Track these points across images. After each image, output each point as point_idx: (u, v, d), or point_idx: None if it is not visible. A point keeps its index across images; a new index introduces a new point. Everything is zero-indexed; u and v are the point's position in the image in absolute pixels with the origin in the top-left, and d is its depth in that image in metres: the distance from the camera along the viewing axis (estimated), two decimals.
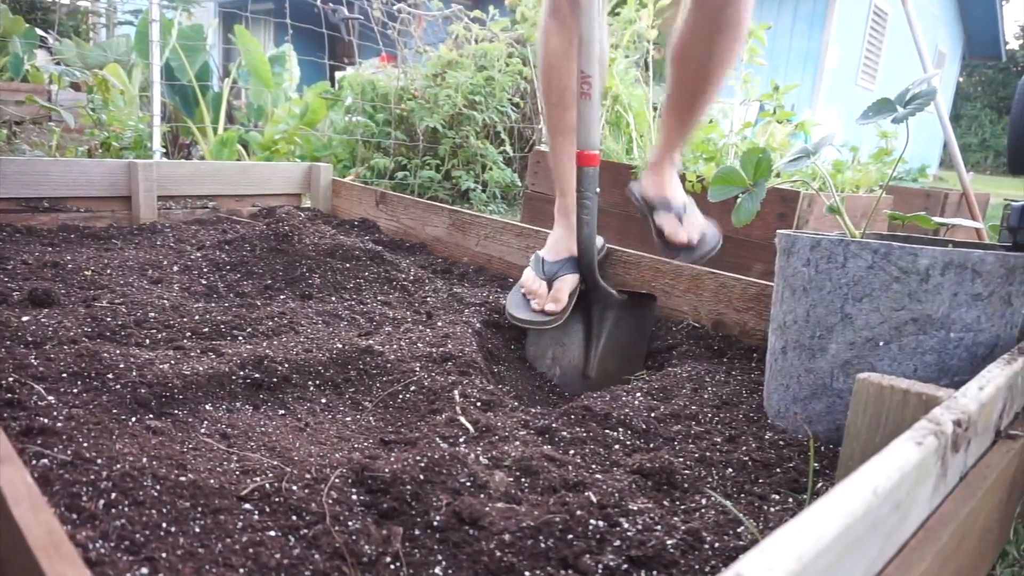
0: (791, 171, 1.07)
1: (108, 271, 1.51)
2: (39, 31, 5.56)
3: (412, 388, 1.08)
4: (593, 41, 1.34)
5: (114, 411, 0.90)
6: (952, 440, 0.59)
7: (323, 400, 1.06)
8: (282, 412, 1.02)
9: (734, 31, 1.50)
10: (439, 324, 1.37)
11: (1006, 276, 0.91)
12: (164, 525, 0.66)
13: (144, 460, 0.75)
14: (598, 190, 1.41)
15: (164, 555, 0.62)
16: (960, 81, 18.04)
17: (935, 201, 3.49)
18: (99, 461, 0.73)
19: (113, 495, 0.68)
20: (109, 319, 1.21)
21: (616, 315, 1.46)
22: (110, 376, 0.97)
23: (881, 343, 0.93)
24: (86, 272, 1.47)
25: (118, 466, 0.72)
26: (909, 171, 5.16)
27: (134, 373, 0.98)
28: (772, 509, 0.80)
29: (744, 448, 0.95)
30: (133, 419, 0.89)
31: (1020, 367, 0.78)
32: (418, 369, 1.13)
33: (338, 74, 4.51)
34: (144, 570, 0.59)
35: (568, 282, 1.45)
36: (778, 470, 0.89)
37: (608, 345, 1.44)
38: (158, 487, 0.71)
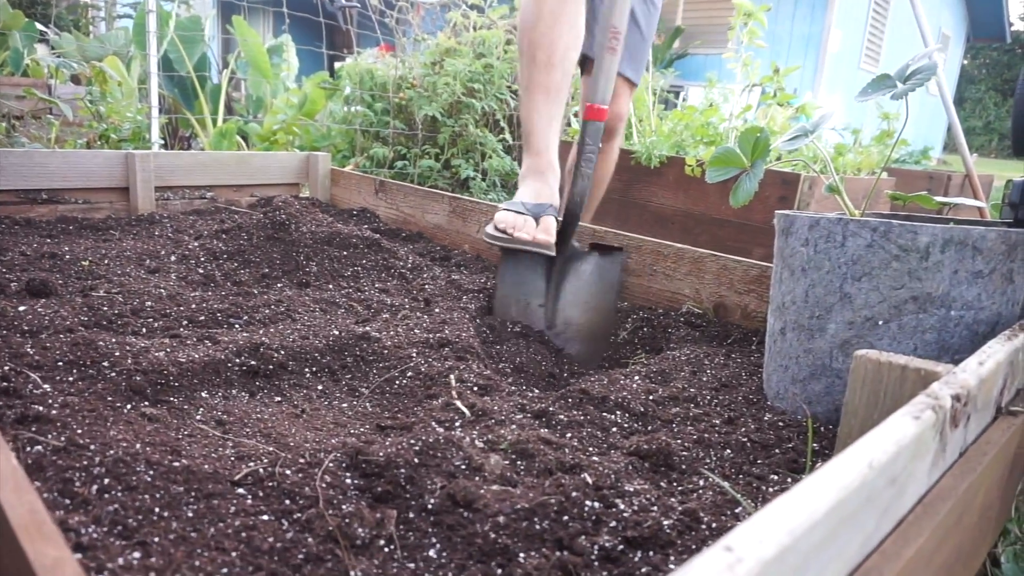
0: (789, 150, 1.06)
1: (106, 261, 1.51)
2: (39, 25, 5.54)
3: (409, 374, 1.08)
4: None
5: (109, 398, 0.89)
6: (951, 415, 0.58)
7: (319, 387, 1.06)
8: (278, 399, 1.01)
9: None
10: (437, 311, 1.36)
11: (1007, 253, 0.90)
12: (157, 510, 0.65)
13: (138, 446, 0.75)
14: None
15: (156, 539, 0.61)
16: (964, 64, 17.91)
17: (938, 183, 3.47)
18: (92, 447, 0.73)
19: (106, 480, 0.68)
20: (106, 308, 1.20)
21: (578, 267, 1.46)
22: (106, 364, 0.97)
23: (880, 322, 0.92)
24: (84, 262, 1.47)
25: (111, 452, 0.72)
26: (912, 153, 5.12)
27: (130, 361, 0.98)
28: (770, 489, 0.79)
29: (743, 429, 0.94)
30: (128, 406, 0.89)
31: (1021, 343, 0.77)
32: (415, 355, 1.13)
33: (337, 64, 4.48)
34: (136, 554, 0.59)
35: (552, 221, 1.44)
36: (777, 451, 0.89)
37: (570, 297, 1.44)
38: (151, 472, 0.70)
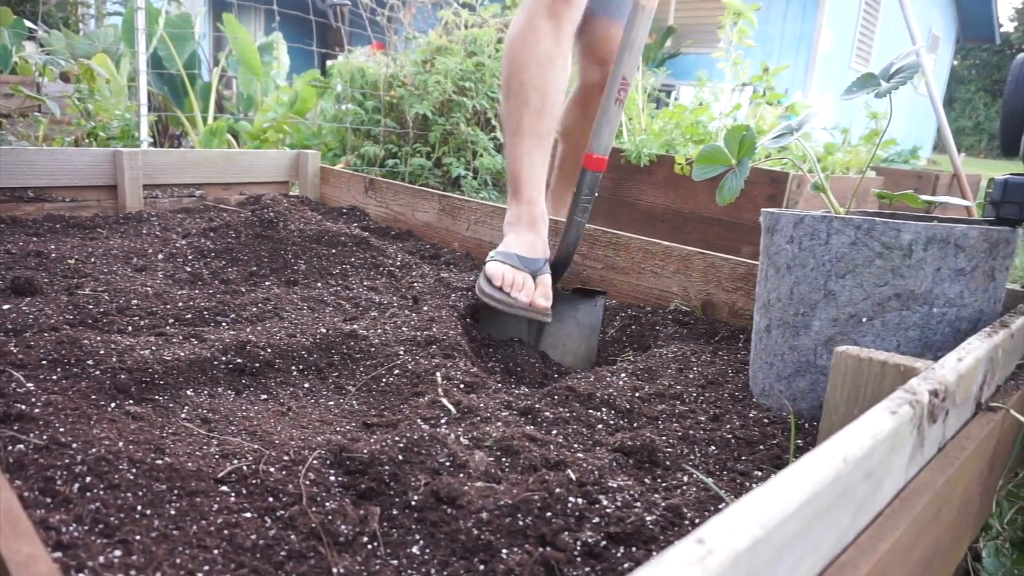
0: (775, 147, 1.07)
1: (92, 260, 1.50)
2: (27, 23, 5.50)
3: (396, 371, 1.08)
4: (640, 49, 1.37)
5: (93, 397, 0.89)
6: (929, 410, 0.58)
7: (306, 385, 1.06)
8: (264, 397, 1.01)
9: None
10: (425, 308, 1.36)
11: (989, 250, 0.91)
12: (139, 508, 0.65)
13: (121, 444, 0.75)
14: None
15: (138, 537, 0.61)
16: (954, 64, 18.01)
17: (926, 182, 3.49)
18: (75, 446, 0.73)
19: (88, 479, 0.68)
20: (91, 307, 1.20)
21: (561, 311, 1.42)
22: (90, 363, 0.96)
23: (864, 319, 0.93)
24: (70, 261, 1.46)
25: (94, 450, 0.72)
26: (901, 153, 5.15)
27: (115, 359, 0.97)
28: (754, 485, 0.80)
29: (728, 426, 0.94)
30: (112, 405, 0.89)
31: (1000, 339, 0.78)
32: (402, 353, 1.13)
33: (329, 62, 4.47)
34: (117, 552, 0.59)
35: (549, 280, 1.38)
36: (761, 447, 0.89)
37: (551, 340, 1.41)
38: (134, 471, 0.70)
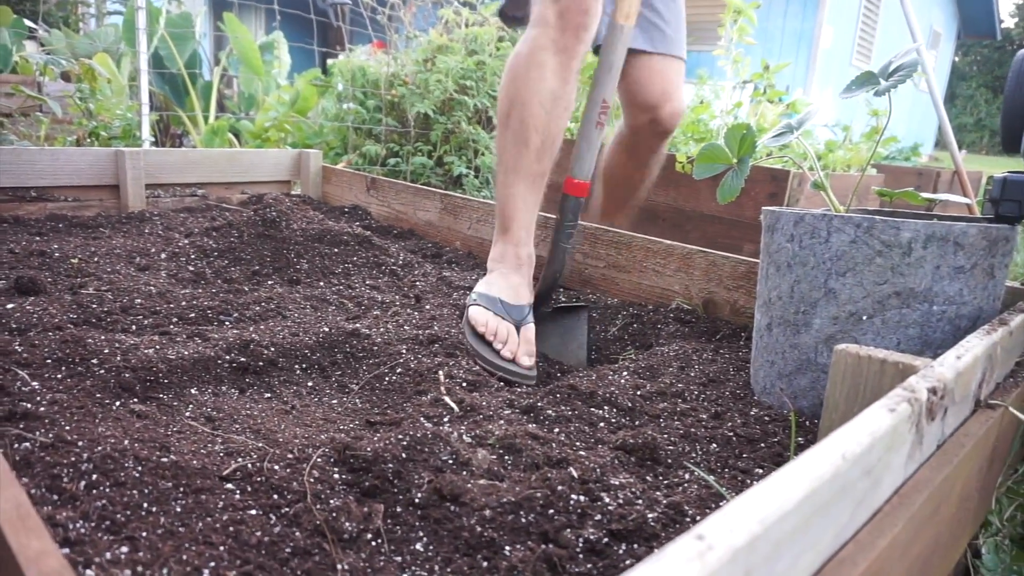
0: (775, 146, 1.07)
1: (95, 259, 1.51)
2: (28, 22, 5.51)
3: (398, 370, 1.08)
4: (619, 69, 1.32)
5: (98, 395, 0.90)
6: (927, 408, 0.59)
7: (309, 383, 1.06)
8: (268, 395, 1.02)
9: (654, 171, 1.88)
10: (427, 307, 1.37)
11: (988, 248, 0.91)
12: (145, 505, 0.66)
13: (126, 442, 0.75)
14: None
15: (144, 534, 0.62)
16: (955, 61, 17.98)
17: (927, 179, 3.49)
18: (81, 444, 0.73)
19: (94, 476, 0.68)
20: (95, 306, 1.21)
21: (545, 329, 1.39)
22: (95, 361, 0.97)
23: (864, 317, 0.93)
24: (73, 260, 1.47)
25: (99, 448, 0.72)
26: (902, 150, 5.15)
27: (119, 358, 0.98)
28: (755, 483, 0.80)
29: (729, 424, 0.95)
30: (117, 403, 0.89)
31: (999, 337, 0.78)
32: (404, 351, 1.13)
33: (330, 61, 4.48)
34: (124, 548, 0.59)
35: (533, 331, 1.29)
36: (762, 445, 0.90)
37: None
38: (140, 468, 0.71)
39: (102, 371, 0.95)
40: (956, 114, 20.94)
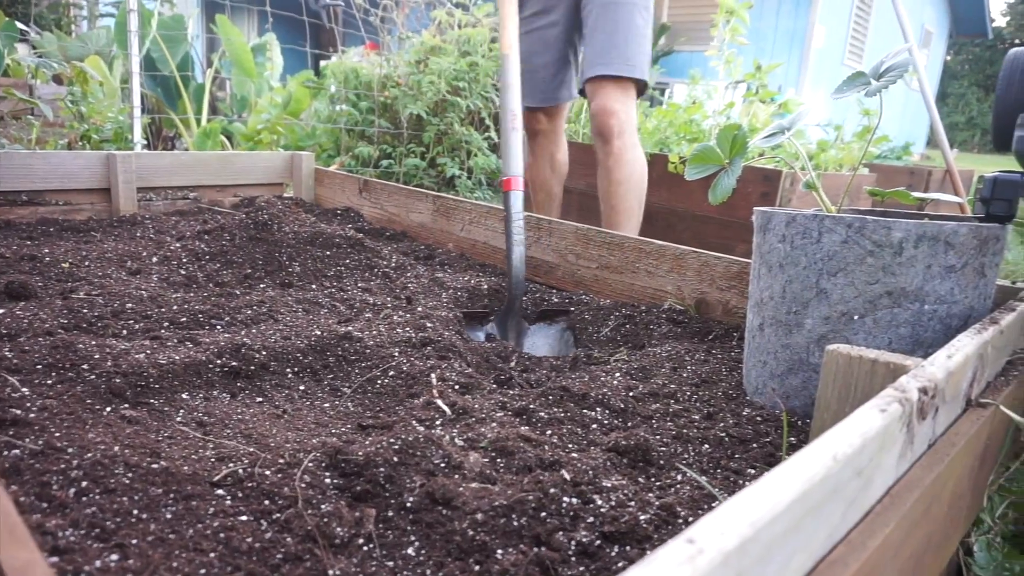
0: (766, 146, 1.07)
1: (86, 263, 1.50)
2: (19, 24, 5.47)
3: (391, 373, 1.08)
4: (517, 85, 1.61)
5: (88, 401, 0.89)
6: (918, 407, 0.59)
7: (301, 387, 1.06)
8: (260, 399, 1.01)
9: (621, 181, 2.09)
10: (419, 309, 1.36)
11: (979, 247, 0.92)
12: (135, 512, 0.66)
13: (116, 448, 0.75)
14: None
15: (135, 541, 0.61)
16: (947, 60, 18.06)
17: (919, 178, 3.50)
18: (70, 450, 0.73)
19: (84, 483, 0.68)
20: (86, 311, 1.20)
21: (531, 338, 1.46)
22: (85, 367, 0.96)
23: (856, 317, 0.94)
24: (64, 264, 1.46)
25: (89, 455, 0.72)
26: (894, 149, 5.17)
27: (109, 363, 0.97)
28: (747, 483, 0.80)
29: (721, 425, 0.95)
30: (107, 409, 0.89)
31: (990, 336, 0.79)
32: (397, 354, 1.13)
33: (322, 63, 4.47)
34: (114, 556, 0.59)
35: None
36: (755, 445, 0.90)
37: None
38: (130, 475, 0.70)
39: (92, 376, 0.94)
40: (948, 113, 21.03)
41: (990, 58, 21.99)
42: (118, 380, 0.94)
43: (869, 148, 2.64)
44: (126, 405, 0.91)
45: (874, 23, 10.55)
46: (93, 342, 1.03)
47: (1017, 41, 22.47)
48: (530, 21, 2.22)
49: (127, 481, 0.69)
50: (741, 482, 0.80)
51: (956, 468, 0.66)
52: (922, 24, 12.44)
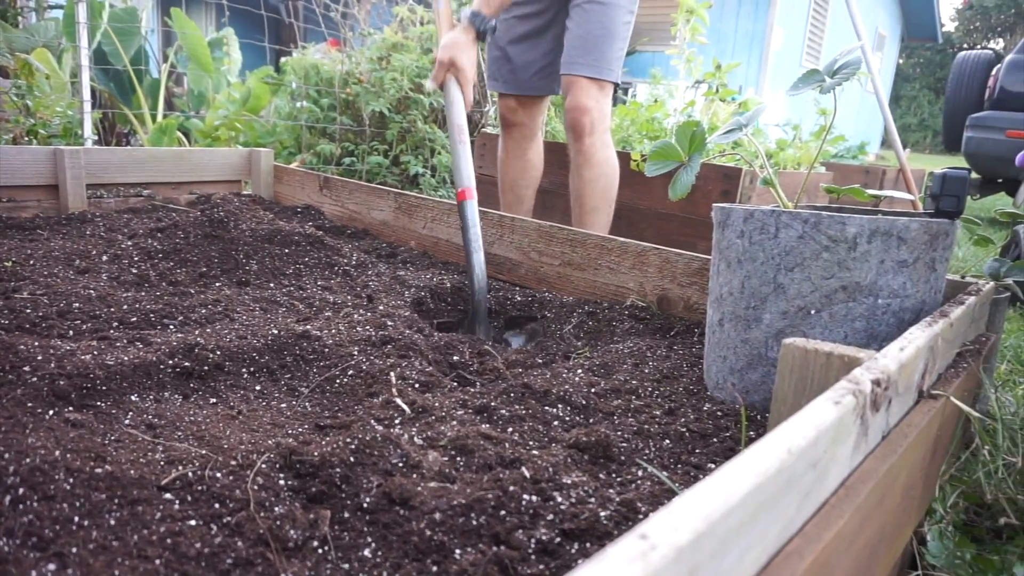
0: (725, 142, 1.08)
1: (31, 262, 1.45)
2: None
3: (350, 372, 1.06)
4: (460, 100, 1.70)
5: (29, 404, 0.85)
6: (871, 399, 0.59)
7: (257, 387, 1.03)
8: (213, 401, 0.98)
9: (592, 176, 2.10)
10: (380, 308, 1.34)
11: (930, 242, 0.94)
12: (76, 519, 0.63)
13: (58, 453, 0.72)
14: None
15: (75, 550, 0.59)
16: (900, 63, 18.57)
17: (874, 177, 3.58)
18: (7, 456, 0.70)
19: (20, 490, 0.65)
20: (29, 311, 1.15)
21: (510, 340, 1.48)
22: (27, 369, 0.92)
23: (813, 311, 0.95)
24: (7, 263, 1.40)
25: (28, 460, 0.69)
26: (850, 149, 5.31)
27: (53, 365, 0.94)
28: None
29: (682, 420, 0.95)
30: (50, 412, 0.85)
31: (940, 329, 0.80)
32: (356, 353, 1.11)
33: (283, 59, 4.39)
34: (51, 566, 0.56)
35: None
36: (715, 440, 0.90)
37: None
38: (71, 480, 0.67)
39: (34, 379, 0.90)
40: (901, 114, 21.62)
41: (940, 61, 22.67)
42: (62, 382, 0.90)
43: (826, 147, 2.69)
44: (70, 408, 0.88)
45: (830, 26, 10.80)
46: (36, 343, 0.99)
47: (965, 45, 23.23)
48: (520, 17, 2.20)
49: (68, 487, 0.66)
50: (701, 477, 0.81)
51: (909, 459, 0.67)
52: (876, 27, 12.76)
